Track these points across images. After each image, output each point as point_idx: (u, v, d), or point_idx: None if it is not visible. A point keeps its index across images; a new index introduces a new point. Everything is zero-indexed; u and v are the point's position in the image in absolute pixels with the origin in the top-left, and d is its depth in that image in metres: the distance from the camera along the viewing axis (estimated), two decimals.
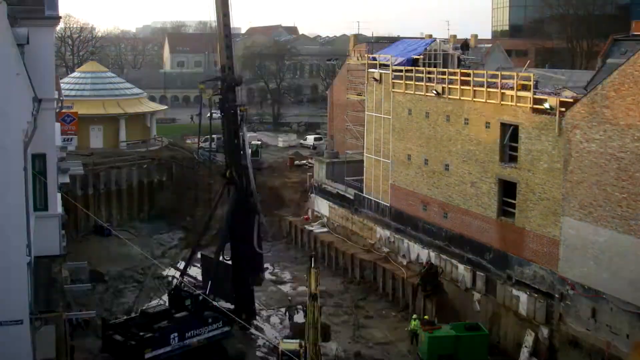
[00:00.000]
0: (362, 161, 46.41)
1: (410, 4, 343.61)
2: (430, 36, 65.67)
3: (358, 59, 47.47)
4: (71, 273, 35.03)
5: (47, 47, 23.61)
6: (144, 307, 33.33)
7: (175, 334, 30.42)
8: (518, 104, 32.31)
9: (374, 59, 44.40)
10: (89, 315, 32.83)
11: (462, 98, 36.05)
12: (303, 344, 27.19)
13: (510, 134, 33.30)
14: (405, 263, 40.33)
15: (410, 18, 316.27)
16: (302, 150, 78.51)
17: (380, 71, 43.22)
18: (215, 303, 32.31)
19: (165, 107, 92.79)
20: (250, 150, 54.43)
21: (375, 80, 43.44)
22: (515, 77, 33.16)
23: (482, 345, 31.92)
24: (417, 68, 40.60)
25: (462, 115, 36.10)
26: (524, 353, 31.15)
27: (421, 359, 32.27)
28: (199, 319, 31.53)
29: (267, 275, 41.05)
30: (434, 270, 37.29)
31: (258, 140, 75.78)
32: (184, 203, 57.02)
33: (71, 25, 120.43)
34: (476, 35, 76.54)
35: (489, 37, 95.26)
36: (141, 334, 29.73)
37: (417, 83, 39.69)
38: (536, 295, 31.50)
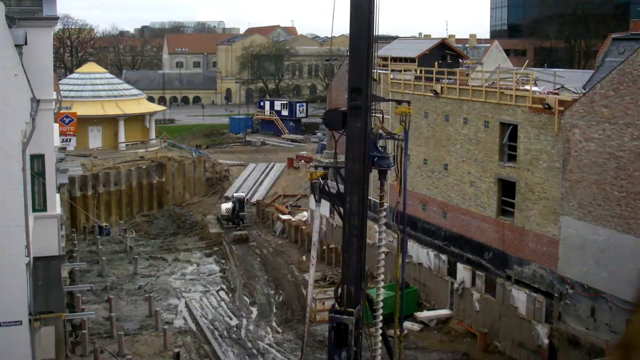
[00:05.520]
0: None
1: (408, 3, 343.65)
2: (429, 36, 65.81)
3: None
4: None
5: (45, 47, 23.60)
6: None
7: None
8: (517, 103, 32.32)
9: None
10: (89, 315, 32.90)
11: (460, 98, 36.06)
12: None
13: (509, 133, 33.30)
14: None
15: (409, 18, 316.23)
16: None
17: (379, 71, 43.17)
18: None
19: (164, 107, 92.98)
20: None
21: (374, 80, 43.32)
22: (514, 77, 33.16)
23: (414, 299, 37.06)
24: (416, 68, 40.61)
25: (461, 114, 36.10)
26: None
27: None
28: None
29: None
30: None
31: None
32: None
33: (70, 27, 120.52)
34: (475, 35, 76.76)
35: (488, 36, 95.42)
36: None
37: (415, 83, 39.69)
38: (536, 294, 31.50)
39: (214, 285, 42.70)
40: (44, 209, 23.75)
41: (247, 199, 57.97)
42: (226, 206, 55.59)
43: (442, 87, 37.18)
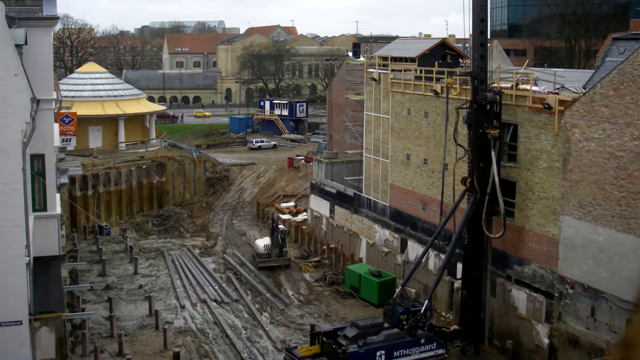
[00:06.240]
0: (361, 161, 46.40)
1: (408, 3, 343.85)
2: (429, 36, 65.83)
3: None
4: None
5: (45, 47, 23.60)
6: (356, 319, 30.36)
7: (383, 352, 28.51)
8: (517, 103, 32.28)
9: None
10: (89, 315, 32.90)
11: (460, 97, 35.99)
12: None
13: (509, 133, 33.25)
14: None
15: (409, 17, 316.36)
16: None
17: (379, 71, 43.19)
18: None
19: (164, 107, 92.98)
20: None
21: (374, 80, 43.43)
22: (514, 76, 33.13)
23: (392, 289, 38.97)
24: (416, 67, 40.58)
25: (461, 114, 35.99)
26: None
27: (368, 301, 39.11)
28: (411, 337, 29.52)
29: None
30: None
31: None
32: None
33: (70, 27, 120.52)
34: None
35: (488, 36, 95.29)
36: (344, 347, 28.04)
37: (415, 82, 39.68)
38: (536, 294, 31.49)
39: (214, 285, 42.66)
40: (44, 209, 23.77)
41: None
42: (264, 242, 46.94)
43: (442, 87, 37.16)
